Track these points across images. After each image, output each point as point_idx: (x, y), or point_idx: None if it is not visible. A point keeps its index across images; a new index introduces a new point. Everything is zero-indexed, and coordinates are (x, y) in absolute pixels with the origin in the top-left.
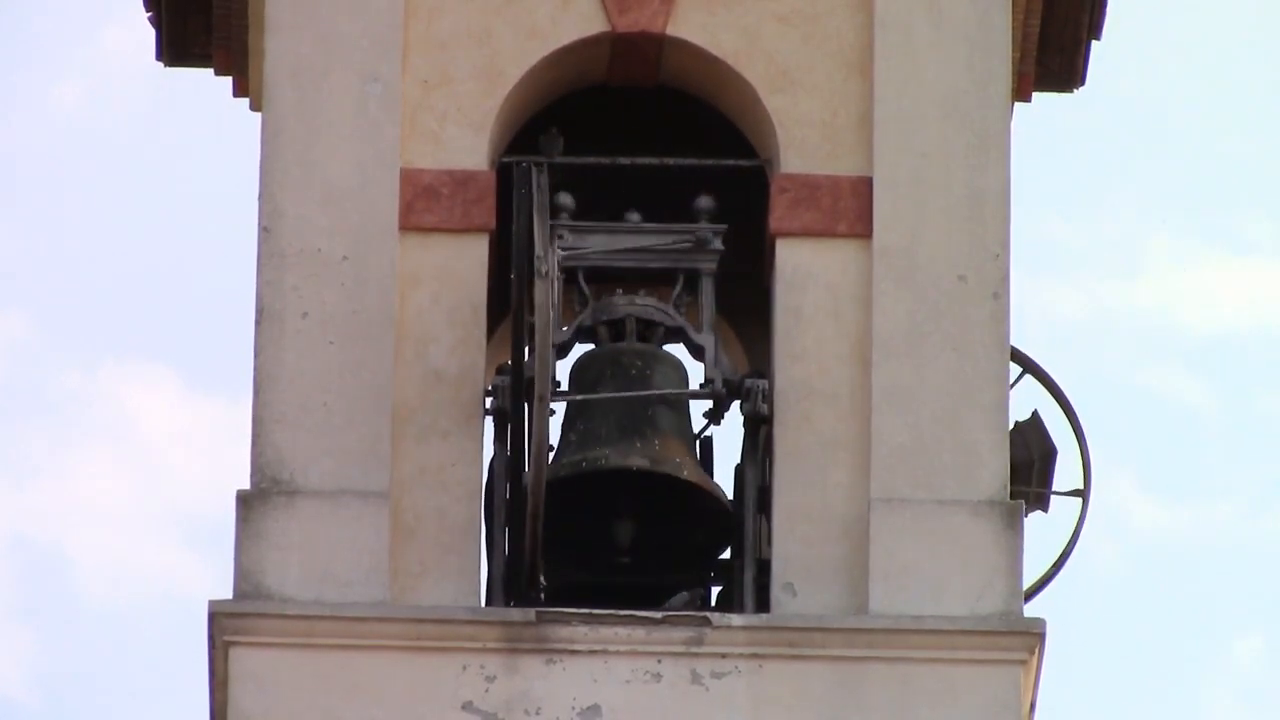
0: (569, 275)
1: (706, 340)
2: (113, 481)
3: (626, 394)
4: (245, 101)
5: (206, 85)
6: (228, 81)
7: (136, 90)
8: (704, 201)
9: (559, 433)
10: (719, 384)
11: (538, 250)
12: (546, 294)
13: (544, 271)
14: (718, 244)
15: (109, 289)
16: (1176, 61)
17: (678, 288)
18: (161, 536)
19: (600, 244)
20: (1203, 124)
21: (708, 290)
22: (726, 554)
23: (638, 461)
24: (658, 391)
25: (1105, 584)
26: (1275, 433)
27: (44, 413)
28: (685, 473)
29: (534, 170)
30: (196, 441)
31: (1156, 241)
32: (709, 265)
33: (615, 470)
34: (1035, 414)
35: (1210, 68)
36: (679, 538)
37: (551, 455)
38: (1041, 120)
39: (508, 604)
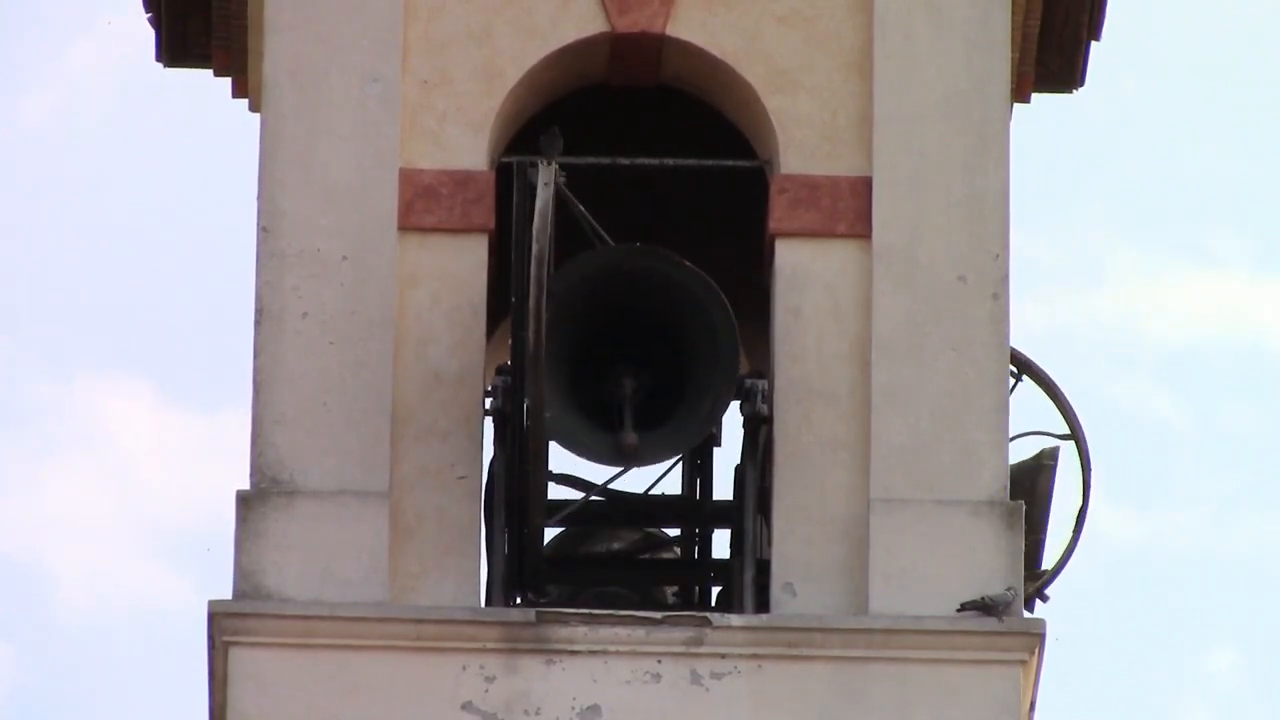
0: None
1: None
2: (90, 494)
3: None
4: (245, 102)
5: (206, 86)
6: (227, 82)
7: (135, 91)
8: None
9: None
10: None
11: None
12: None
13: (548, 161)
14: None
15: (88, 300)
16: (1175, 63)
17: None
18: (139, 548)
19: None
20: (1192, 129)
21: None
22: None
23: (639, 247)
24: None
25: (1077, 595)
26: (1242, 443)
27: (19, 425)
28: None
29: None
30: (173, 454)
31: (1123, 253)
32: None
33: (613, 254)
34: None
35: (1206, 71)
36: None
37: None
38: (1041, 121)
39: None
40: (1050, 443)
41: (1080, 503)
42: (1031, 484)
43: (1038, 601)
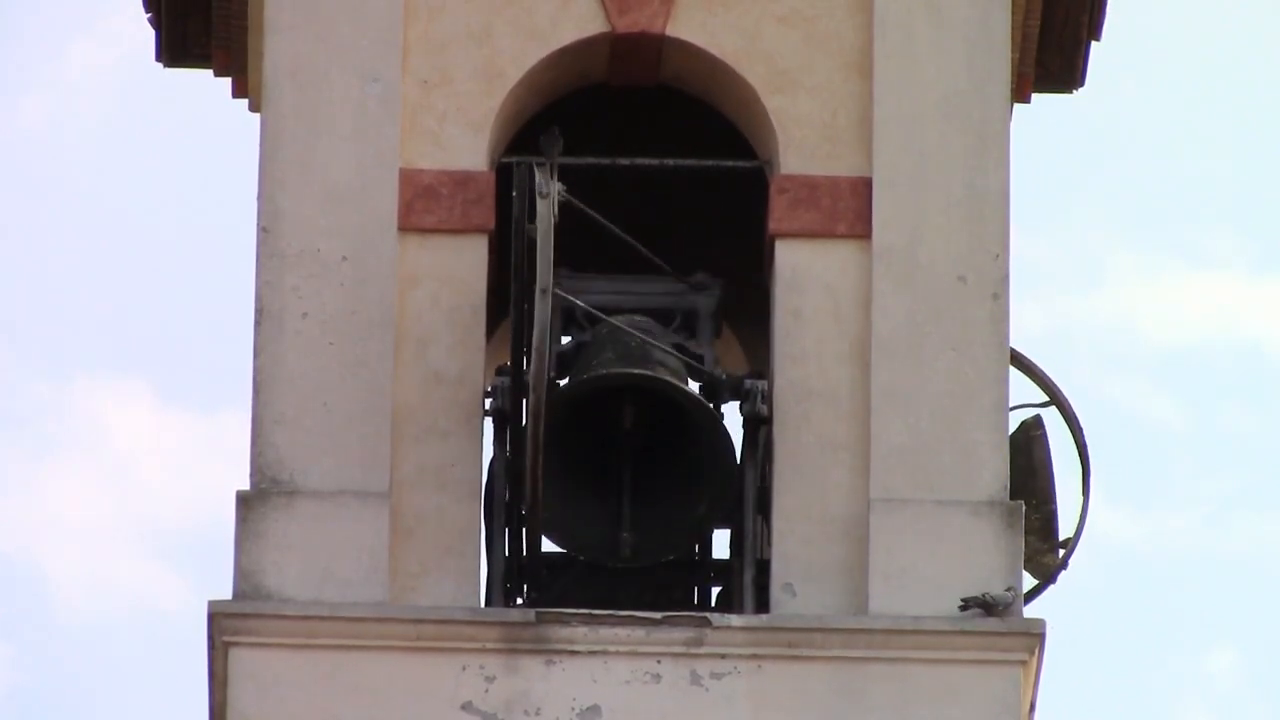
0: (567, 314)
1: (704, 349)
2: (89, 495)
3: (631, 329)
4: (245, 102)
5: (206, 86)
6: (227, 82)
7: (135, 91)
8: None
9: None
10: (721, 375)
11: (539, 183)
12: (548, 210)
13: (544, 193)
14: (716, 289)
15: (88, 300)
16: (1175, 63)
17: (675, 323)
18: (139, 548)
19: (601, 287)
20: (1192, 129)
21: (706, 328)
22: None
23: (639, 369)
24: (659, 344)
25: (1074, 596)
26: (1240, 444)
27: (18, 426)
28: (686, 389)
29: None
30: (173, 454)
31: (1122, 254)
32: (708, 305)
33: (616, 379)
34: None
35: (1206, 71)
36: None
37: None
38: (1041, 121)
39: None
40: (1031, 413)
41: (1080, 465)
42: (1027, 457)
43: (1060, 572)
